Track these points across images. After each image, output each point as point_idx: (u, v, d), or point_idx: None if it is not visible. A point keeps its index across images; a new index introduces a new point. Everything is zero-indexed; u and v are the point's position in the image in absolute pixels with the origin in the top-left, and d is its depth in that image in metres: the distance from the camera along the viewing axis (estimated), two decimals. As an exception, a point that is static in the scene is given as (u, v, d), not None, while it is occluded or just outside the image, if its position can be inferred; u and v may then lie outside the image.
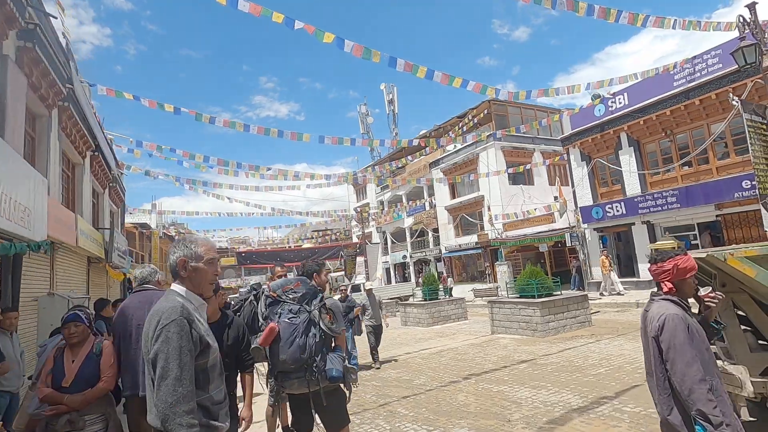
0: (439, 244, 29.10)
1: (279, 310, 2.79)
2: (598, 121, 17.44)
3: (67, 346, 2.88)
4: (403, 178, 20.38)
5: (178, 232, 36.47)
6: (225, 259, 39.96)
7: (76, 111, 8.91)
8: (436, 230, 29.58)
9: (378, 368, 8.11)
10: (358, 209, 30.01)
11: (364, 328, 8.42)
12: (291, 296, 2.82)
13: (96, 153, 11.49)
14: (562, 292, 10.75)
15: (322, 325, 2.72)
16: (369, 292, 8.84)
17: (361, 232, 34.50)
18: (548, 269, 21.64)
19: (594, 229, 17.95)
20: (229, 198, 20.41)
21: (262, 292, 2.96)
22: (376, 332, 8.54)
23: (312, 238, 49.26)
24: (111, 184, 14.48)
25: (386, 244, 35.49)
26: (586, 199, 18.31)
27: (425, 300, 14.26)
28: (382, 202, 36.15)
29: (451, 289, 22.89)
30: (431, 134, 20.47)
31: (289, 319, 2.73)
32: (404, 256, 32.93)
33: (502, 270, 22.31)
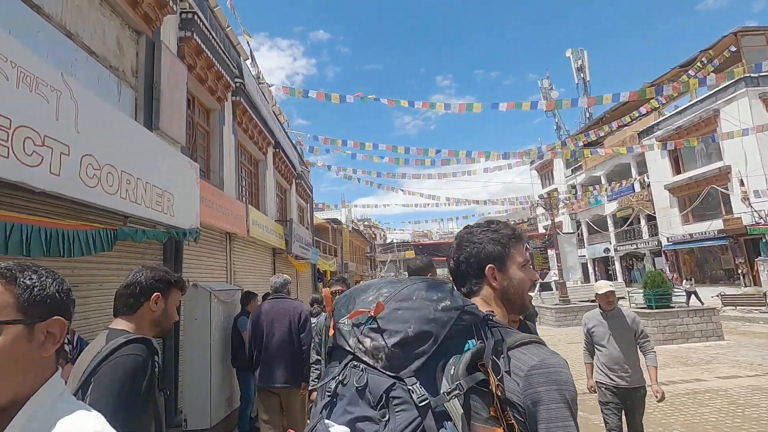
0: (656, 234, 22.88)
1: None
2: None
3: None
4: (607, 151, 16.22)
5: (364, 227, 39.56)
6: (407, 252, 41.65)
7: (249, 106, 9.17)
8: (651, 216, 23.39)
9: None
10: (545, 195, 26.04)
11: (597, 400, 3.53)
12: None
13: (277, 150, 12.09)
14: None
15: None
16: (605, 299, 3.44)
17: (548, 222, 30.20)
18: None
19: None
20: (402, 190, 20.12)
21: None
22: (618, 410, 3.33)
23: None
24: (297, 181, 15.49)
25: (580, 235, 30.21)
26: None
27: (649, 307, 10.50)
28: (573, 186, 30.92)
29: (693, 293, 16.32)
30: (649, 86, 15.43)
31: None
32: (606, 249, 27.31)
33: (772, 268, 15.73)
